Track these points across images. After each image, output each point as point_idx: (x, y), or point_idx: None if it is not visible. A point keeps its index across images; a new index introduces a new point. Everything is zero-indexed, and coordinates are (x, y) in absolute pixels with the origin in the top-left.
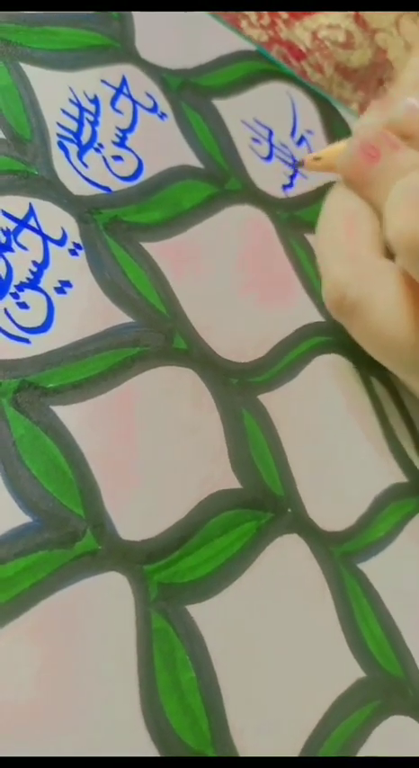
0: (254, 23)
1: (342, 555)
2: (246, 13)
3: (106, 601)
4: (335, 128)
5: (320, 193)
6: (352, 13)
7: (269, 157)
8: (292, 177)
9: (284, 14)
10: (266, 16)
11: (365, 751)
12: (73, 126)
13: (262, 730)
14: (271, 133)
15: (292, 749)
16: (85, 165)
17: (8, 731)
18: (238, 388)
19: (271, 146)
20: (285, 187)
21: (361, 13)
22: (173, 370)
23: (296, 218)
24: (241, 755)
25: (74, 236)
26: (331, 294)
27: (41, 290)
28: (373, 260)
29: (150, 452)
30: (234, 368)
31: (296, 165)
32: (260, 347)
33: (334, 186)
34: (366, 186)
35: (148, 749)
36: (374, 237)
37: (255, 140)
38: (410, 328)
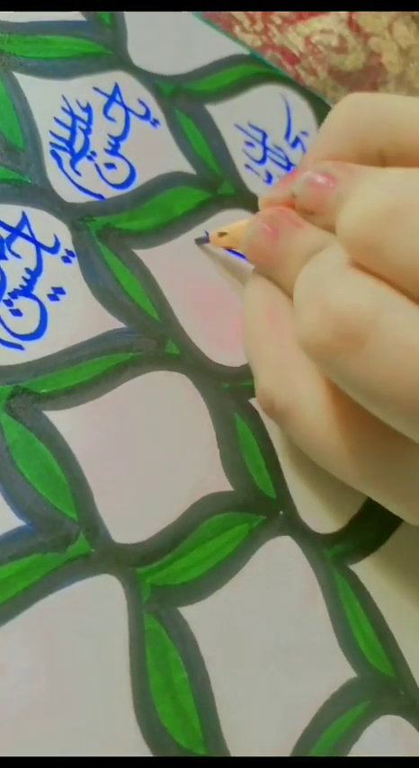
0: (247, 29)
1: (333, 557)
2: (239, 18)
3: (99, 603)
4: None
5: None
6: (346, 17)
7: (262, 161)
8: None
9: (277, 20)
10: (259, 21)
11: (356, 750)
12: (65, 134)
13: (253, 730)
14: (265, 136)
15: (284, 749)
16: (78, 173)
17: (2, 731)
18: (230, 392)
19: (265, 149)
20: None
21: (354, 17)
22: (165, 375)
23: None
24: (233, 755)
25: (67, 243)
26: (260, 401)
27: (35, 297)
28: (296, 359)
29: (142, 456)
30: (225, 372)
31: (200, 242)
32: None
33: (252, 272)
34: (271, 268)
35: (141, 749)
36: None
37: (249, 144)
38: (341, 431)
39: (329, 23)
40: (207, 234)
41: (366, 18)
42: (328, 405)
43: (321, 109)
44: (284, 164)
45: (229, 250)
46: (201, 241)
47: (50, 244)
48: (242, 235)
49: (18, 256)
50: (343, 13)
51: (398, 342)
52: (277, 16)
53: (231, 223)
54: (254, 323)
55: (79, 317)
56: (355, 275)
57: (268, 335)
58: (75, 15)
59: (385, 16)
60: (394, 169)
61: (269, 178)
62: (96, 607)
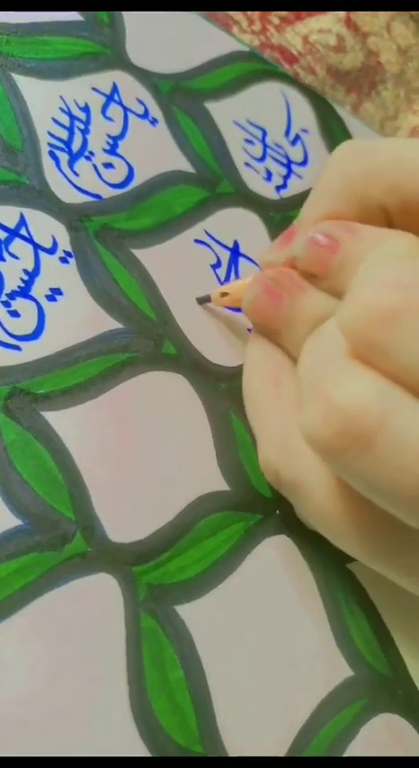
0: (245, 29)
1: (330, 555)
2: (237, 19)
3: (96, 601)
4: (331, 126)
5: None
6: (344, 17)
7: (262, 158)
8: (286, 178)
9: (275, 20)
10: (257, 22)
11: (353, 749)
12: (64, 135)
13: (250, 728)
14: (264, 134)
15: (280, 746)
16: (76, 174)
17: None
18: (227, 392)
19: (265, 146)
20: (279, 188)
21: (352, 16)
22: (162, 376)
23: (289, 219)
24: (229, 753)
25: (64, 244)
26: (264, 471)
27: (32, 298)
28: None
29: (139, 456)
30: (223, 373)
31: (202, 301)
32: None
33: (252, 332)
34: (275, 334)
35: (138, 746)
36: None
37: (248, 142)
38: (346, 510)
39: (327, 23)
40: (204, 298)
41: (364, 17)
42: (334, 481)
43: (322, 107)
44: (284, 161)
45: (232, 308)
46: (203, 301)
47: (48, 245)
48: (242, 294)
49: (16, 257)
50: (341, 13)
51: (405, 443)
52: (275, 16)
53: (233, 282)
54: (256, 388)
55: (77, 318)
56: (359, 369)
57: (270, 402)
58: (73, 15)
59: (383, 15)
60: (397, 243)
61: (268, 176)
62: (93, 606)
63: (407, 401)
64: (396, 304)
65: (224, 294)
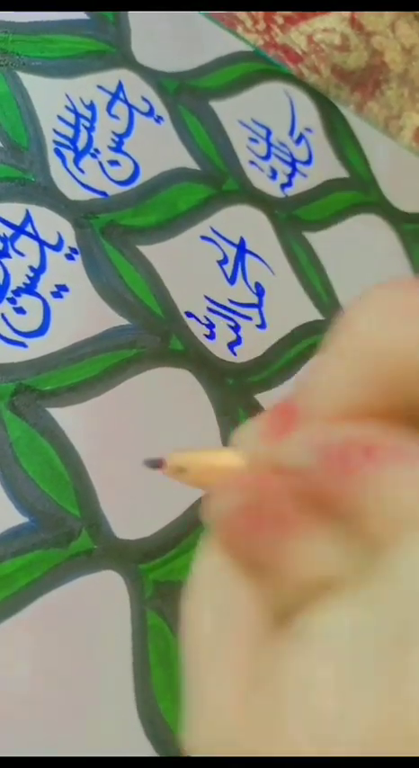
0: (250, 28)
1: None
2: (241, 18)
3: (102, 598)
4: (335, 125)
5: (321, 191)
6: (348, 16)
7: (267, 157)
8: (291, 176)
9: (280, 19)
10: (261, 21)
11: None
12: (69, 132)
13: None
14: (269, 132)
15: None
16: (82, 171)
17: (5, 723)
18: (234, 388)
19: (270, 145)
20: (284, 186)
21: (356, 16)
22: (169, 372)
23: (294, 217)
24: None
25: (70, 240)
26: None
27: (38, 295)
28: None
29: (145, 453)
30: (230, 368)
31: (151, 465)
32: (257, 347)
33: (204, 540)
34: (249, 570)
35: (143, 744)
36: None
37: (253, 140)
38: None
39: (331, 22)
40: (155, 461)
41: (368, 17)
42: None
43: (326, 106)
44: (289, 160)
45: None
46: (152, 465)
47: (54, 241)
48: (208, 478)
49: (22, 254)
50: (346, 12)
51: None
52: (279, 16)
53: (193, 451)
54: (202, 634)
55: (82, 315)
56: None
57: (218, 663)
58: (79, 14)
59: (387, 15)
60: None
61: (273, 174)
62: (99, 603)
63: None
64: None
65: (181, 470)
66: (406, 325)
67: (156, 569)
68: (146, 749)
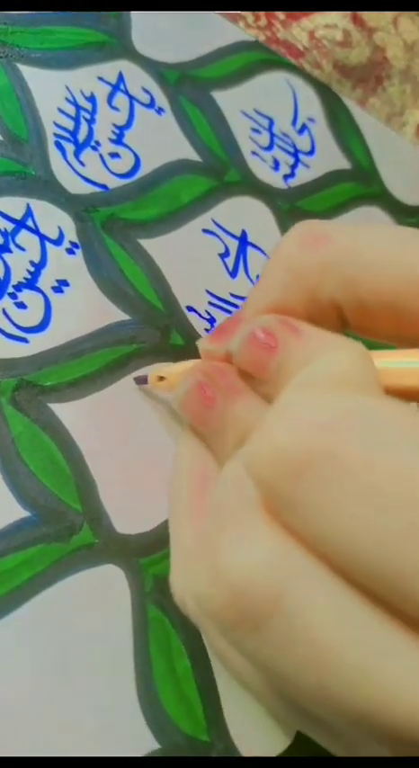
0: (251, 24)
1: None
2: (243, 14)
3: (103, 592)
4: (338, 115)
5: (324, 182)
6: (350, 12)
7: (269, 147)
8: (293, 167)
9: (281, 15)
10: (263, 17)
11: None
12: (69, 125)
13: (256, 717)
14: (271, 123)
15: (286, 735)
16: (82, 164)
17: (8, 714)
18: None
19: (272, 135)
20: (286, 177)
21: (358, 12)
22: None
23: (297, 208)
24: (235, 742)
25: (71, 235)
26: (174, 596)
27: (39, 290)
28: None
29: (146, 448)
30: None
31: (139, 382)
32: None
33: (185, 427)
34: (204, 435)
35: (145, 735)
36: None
37: (255, 131)
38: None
39: (333, 18)
40: (140, 379)
41: (370, 13)
42: None
43: (328, 96)
44: (291, 150)
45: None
46: (140, 381)
47: (54, 236)
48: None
49: (22, 249)
50: None
51: (298, 631)
52: (281, 11)
53: (171, 365)
54: (179, 497)
55: (83, 310)
56: (264, 525)
57: (190, 518)
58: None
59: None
60: (337, 359)
61: (276, 165)
62: (100, 596)
63: (313, 574)
64: (309, 453)
65: (161, 378)
66: (313, 248)
67: (156, 563)
68: (147, 739)
